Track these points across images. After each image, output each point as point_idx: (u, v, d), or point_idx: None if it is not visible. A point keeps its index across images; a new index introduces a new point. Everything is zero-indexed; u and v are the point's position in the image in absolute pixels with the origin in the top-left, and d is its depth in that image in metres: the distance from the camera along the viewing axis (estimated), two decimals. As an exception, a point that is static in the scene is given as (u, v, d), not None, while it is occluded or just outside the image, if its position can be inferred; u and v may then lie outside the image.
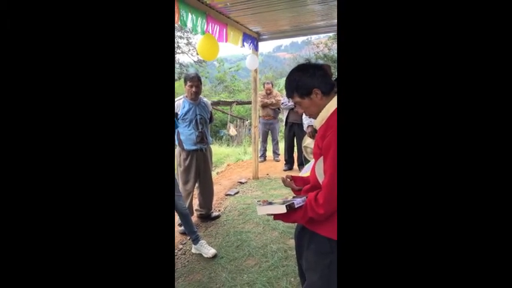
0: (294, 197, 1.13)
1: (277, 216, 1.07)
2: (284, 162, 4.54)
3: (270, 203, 1.09)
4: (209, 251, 2.17)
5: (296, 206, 1.03)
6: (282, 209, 1.01)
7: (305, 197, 1.06)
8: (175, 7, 2.07)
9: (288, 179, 1.25)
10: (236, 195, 3.48)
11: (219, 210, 3.02)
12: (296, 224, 1.23)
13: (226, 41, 2.92)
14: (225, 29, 2.86)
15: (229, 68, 14.67)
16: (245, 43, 3.41)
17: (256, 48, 3.74)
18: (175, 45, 12.81)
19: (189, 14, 2.25)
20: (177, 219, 2.60)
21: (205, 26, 2.49)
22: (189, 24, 2.29)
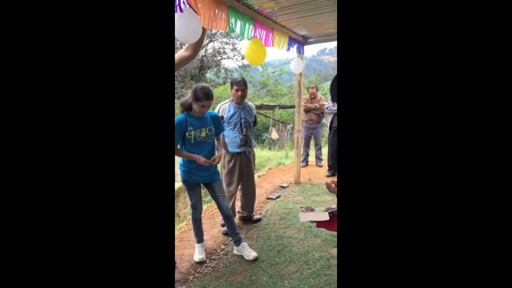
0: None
1: (320, 224, 1.05)
2: (327, 167, 4.43)
3: (313, 210, 1.07)
4: (250, 254, 2.19)
5: None
6: (325, 216, 0.99)
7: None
8: (225, 15, 2.14)
9: (333, 185, 1.22)
10: (277, 199, 3.47)
11: (260, 214, 3.03)
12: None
13: (272, 45, 2.94)
14: (271, 34, 2.89)
15: (273, 73, 14.79)
16: (291, 47, 3.40)
17: (301, 52, 3.72)
18: (221, 51, 13.24)
19: (238, 20, 2.31)
20: (220, 219, 2.68)
21: (253, 31, 2.53)
22: (238, 31, 2.35)
